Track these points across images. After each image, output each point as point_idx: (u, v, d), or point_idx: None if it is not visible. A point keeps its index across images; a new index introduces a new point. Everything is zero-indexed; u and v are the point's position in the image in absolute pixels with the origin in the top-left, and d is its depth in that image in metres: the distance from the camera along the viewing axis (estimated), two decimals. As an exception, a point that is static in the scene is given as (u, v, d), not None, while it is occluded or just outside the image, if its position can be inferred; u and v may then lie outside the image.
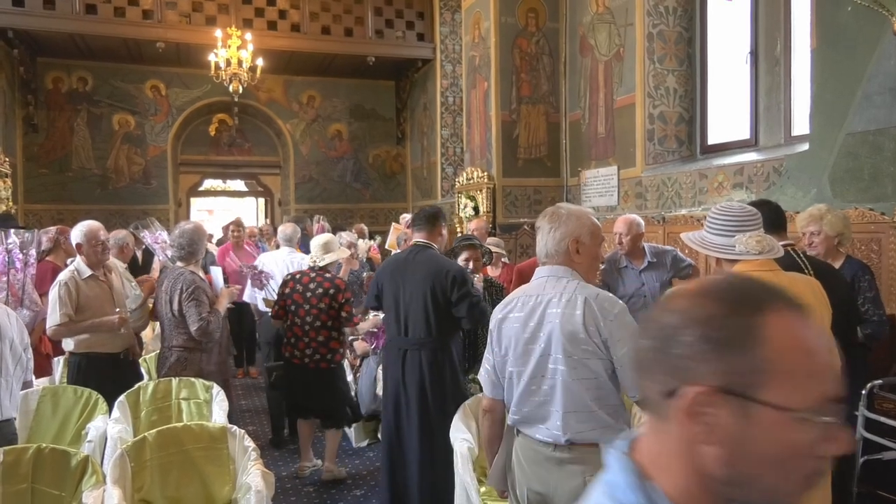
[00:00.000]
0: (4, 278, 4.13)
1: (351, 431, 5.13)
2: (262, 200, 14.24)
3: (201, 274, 3.89)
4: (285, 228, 5.84)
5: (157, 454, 2.81)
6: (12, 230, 4.35)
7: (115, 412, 3.32)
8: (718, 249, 2.20)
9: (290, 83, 12.22)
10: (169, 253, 4.64)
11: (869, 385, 3.26)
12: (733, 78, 6.06)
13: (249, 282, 5.73)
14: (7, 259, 4.16)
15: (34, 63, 10.52)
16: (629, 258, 4.27)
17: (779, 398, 0.70)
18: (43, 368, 4.17)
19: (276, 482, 3.00)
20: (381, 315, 4.23)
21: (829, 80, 4.45)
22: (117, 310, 3.81)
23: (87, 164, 11.12)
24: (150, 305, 4.36)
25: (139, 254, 6.55)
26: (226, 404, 3.49)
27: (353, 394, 4.83)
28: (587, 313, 2.01)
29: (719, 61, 6.35)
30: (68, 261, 4.37)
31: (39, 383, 3.63)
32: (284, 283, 4.48)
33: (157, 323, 4.26)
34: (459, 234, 7.55)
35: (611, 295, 2.11)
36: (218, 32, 9.45)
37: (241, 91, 9.80)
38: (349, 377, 4.90)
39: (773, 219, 2.86)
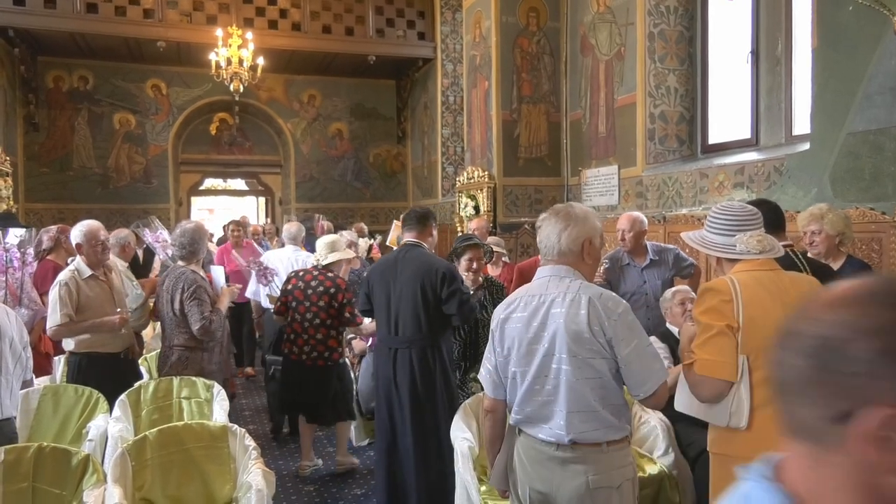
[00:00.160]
0: (2, 277, 4.13)
1: (351, 430, 5.13)
2: (262, 199, 14.25)
3: (202, 273, 3.89)
4: (290, 227, 5.89)
5: (158, 453, 2.82)
6: (10, 229, 4.35)
7: (116, 411, 3.32)
8: (719, 249, 2.20)
9: (291, 82, 12.22)
10: (170, 252, 4.65)
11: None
12: (734, 77, 6.06)
13: (253, 278, 5.74)
14: (5, 258, 4.16)
15: (35, 62, 10.53)
16: (631, 256, 4.27)
17: None
18: (42, 368, 4.17)
19: (276, 481, 3.00)
20: None
21: (829, 79, 4.45)
22: (118, 310, 3.81)
23: (88, 163, 11.13)
24: (151, 304, 4.37)
25: (140, 253, 6.55)
26: (226, 403, 3.50)
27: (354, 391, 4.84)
28: (591, 313, 2.01)
29: (720, 61, 6.35)
30: (69, 260, 4.37)
31: (39, 382, 3.63)
32: (288, 280, 4.54)
33: (158, 322, 4.26)
34: (460, 234, 7.55)
35: (614, 294, 2.12)
36: (219, 31, 9.45)
37: (241, 90, 9.80)
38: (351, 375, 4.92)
39: (772, 219, 2.86)
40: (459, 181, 8.79)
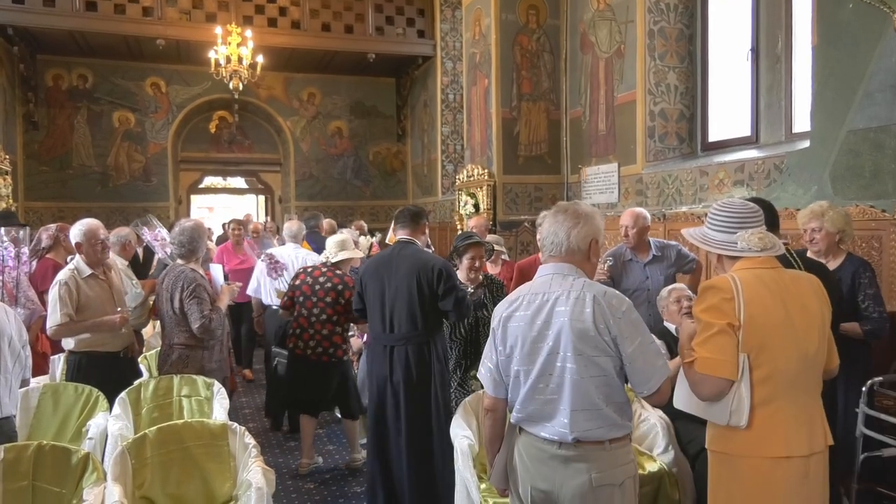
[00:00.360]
0: (-1, 277, 4.13)
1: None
2: (262, 198, 14.25)
3: (202, 271, 3.89)
4: (291, 225, 5.94)
5: (158, 451, 2.82)
6: (2, 228, 4.34)
7: (116, 409, 3.32)
8: (720, 246, 2.18)
9: (291, 80, 12.21)
10: (168, 250, 4.65)
11: (869, 382, 3.26)
12: (734, 75, 6.05)
13: (253, 277, 5.74)
14: (1, 257, 4.16)
15: (34, 60, 10.53)
16: (634, 252, 4.27)
17: None
18: (39, 367, 4.16)
19: (276, 479, 3.00)
20: None
21: (830, 77, 4.44)
22: (118, 309, 3.81)
23: (88, 162, 11.13)
24: (151, 303, 4.37)
25: (140, 251, 6.54)
26: (226, 402, 3.49)
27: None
28: (596, 311, 2.01)
29: (720, 58, 6.34)
30: (68, 258, 4.37)
31: (36, 382, 3.62)
32: (296, 276, 4.59)
33: (158, 320, 4.26)
34: (460, 232, 7.54)
35: (617, 292, 2.11)
36: (218, 29, 9.44)
37: (241, 88, 9.80)
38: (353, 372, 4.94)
39: (767, 217, 2.85)
40: (459, 179, 8.78)
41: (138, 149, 11.41)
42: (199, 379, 3.66)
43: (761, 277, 2.08)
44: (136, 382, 3.62)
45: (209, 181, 13.84)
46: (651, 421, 3.34)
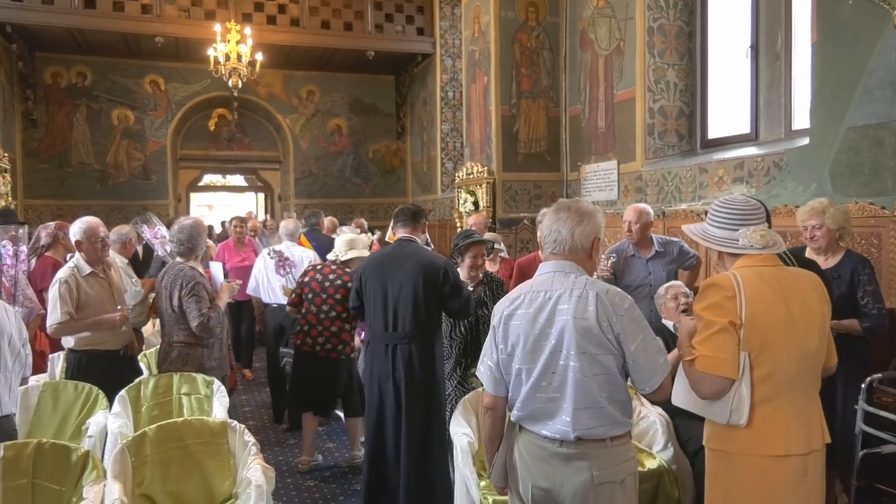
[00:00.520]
0: (-3, 275, 4.12)
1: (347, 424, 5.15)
2: (261, 196, 14.24)
3: (201, 269, 3.89)
4: (287, 223, 5.95)
5: (158, 449, 2.82)
6: (1, 226, 4.34)
7: (116, 407, 3.32)
8: (721, 243, 2.17)
9: (290, 78, 12.19)
10: (168, 248, 4.64)
11: (868, 379, 3.27)
12: (734, 72, 6.04)
13: (252, 276, 5.74)
14: (-1, 255, 4.16)
15: (33, 58, 10.51)
16: (637, 247, 4.28)
17: None
18: (37, 366, 4.16)
19: (276, 477, 3.01)
20: None
21: (829, 74, 4.44)
22: (119, 307, 3.81)
23: (87, 160, 11.12)
24: (151, 301, 4.36)
25: (139, 249, 6.53)
26: (226, 400, 3.49)
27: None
28: (600, 309, 2.01)
29: (720, 56, 6.34)
30: (67, 256, 4.36)
31: (34, 380, 3.62)
32: (305, 273, 4.60)
33: (158, 318, 4.25)
34: (459, 230, 7.54)
35: (619, 290, 2.11)
36: (217, 27, 9.42)
37: (240, 86, 9.78)
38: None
39: None
40: (459, 177, 8.78)
41: (137, 146, 11.39)
42: (199, 377, 3.66)
43: (763, 275, 2.07)
44: (136, 381, 3.62)
45: (208, 179, 13.83)
46: (650, 418, 3.34)
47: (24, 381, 3.09)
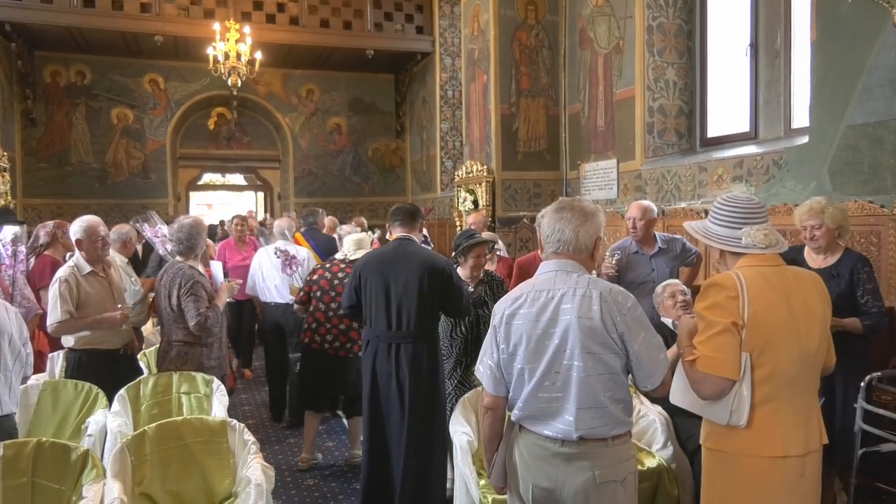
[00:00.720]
0: (-4, 274, 4.12)
1: (347, 423, 5.14)
2: (261, 194, 14.24)
3: (201, 268, 3.88)
4: (280, 222, 5.96)
5: (157, 448, 2.82)
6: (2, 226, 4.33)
7: (115, 406, 3.32)
8: (722, 241, 2.14)
9: (289, 76, 12.19)
10: (169, 247, 4.64)
11: (868, 377, 3.26)
12: (733, 70, 6.04)
13: (250, 276, 5.73)
14: (-2, 255, 4.16)
15: (32, 57, 10.50)
16: (640, 244, 4.28)
17: None
18: (35, 365, 4.16)
19: (276, 475, 3.01)
20: None
21: (829, 72, 4.44)
22: (119, 306, 3.81)
23: (86, 159, 11.12)
24: (151, 300, 4.36)
25: (139, 248, 6.53)
26: (226, 399, 3.49)
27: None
28: (604, 308, 2.00)
29: (719, 54, 6.33)
30: (66, 255, 4.36)
31: (34, 379, 3.62)
32: (313, 271, 4.59)
33: (157, 317, 4.25)
34: (459, 230, 7.54)
35: (621, 288, 2.11)
36: (216, 26, 9.42)
37: (239, 84, 9.78)
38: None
39: None
40: (458, 175, 8.78)
41: (137, 145, 11.39)
42: (199, 376, 3.66)
43: (766, 275, 2.05)
44: (136, 379, 3.62)
45: (208, 178, 13.84)
46: (650, 417, 3.34)
47: (24, 380, 3.09)
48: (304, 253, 5.67)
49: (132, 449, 2.73)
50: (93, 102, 11.11)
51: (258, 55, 9.60)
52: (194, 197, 14.06)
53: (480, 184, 8.05)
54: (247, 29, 9.56)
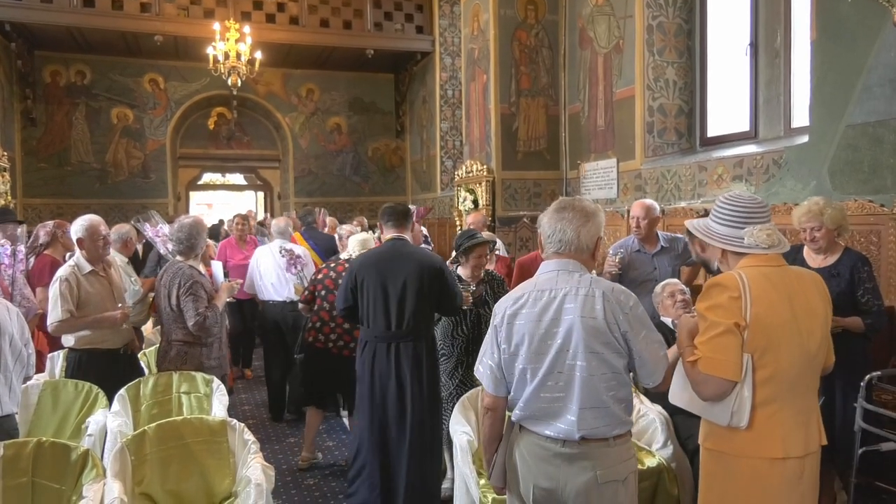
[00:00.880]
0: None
1: (347, 423, 5.15)
2: (261, 194, 14.24)
3: (201, 268, 3.88)
4: (278, 222, 5.97)
5: (157, 448, 2.82)
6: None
7: (115, 405, 3.32)
8: (724, 240, 2.12)
9: (289, 76, 12.19)
10: (170, 246, 4.64)
11: (868, 376, 3.26)
12: (733, 70, 6.04)
13: (248, 276, 5.73)
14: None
15: (32, 56, 10.50)
16: (642, 243, 4.28)
17: None
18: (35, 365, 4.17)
19: (276, 475, 3.01)
20: None
21: (829, 71, 4.43)
22: (119, 305, 3.81)
23: (86, 158, 11.12)
24: (151, 299, 4.36)
25: (139, 247, 6.52)
26: (226, 398, 3.49)
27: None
28: (608, 307, 2.01)
29: (719, 53, 6.33)
30: (66, 255, 4.36)
31: (34, 379, 3.62)
32: (318, 270, 4.61)
33: (157, 317, 4.25)
34: (460, 230, 7.54)
35: (623, 287, 2.11)
36: (216, 25, 9.42)
37: (239, 84, 9.78)
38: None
39: None
40: (458, 175, 8.78)
41: (137, 145, 11.39)
42: (199, 375, 3.66)
43: (768, 275, 2.03)
44: (136, 379, 3.62)
45: (208, 178, 13.84)
46: (650, 416, 3.34)
47: (26, 380, 3.09)
48: (299, 251, 5.67)
49: (132, 449, 2.73)
50: (93, 102, 11.11)
51: (258, 55, 9.61)
52: (194, 197, 14.06)
53: (480, 183, 8.05)
54: (247, 29, 9.56)
